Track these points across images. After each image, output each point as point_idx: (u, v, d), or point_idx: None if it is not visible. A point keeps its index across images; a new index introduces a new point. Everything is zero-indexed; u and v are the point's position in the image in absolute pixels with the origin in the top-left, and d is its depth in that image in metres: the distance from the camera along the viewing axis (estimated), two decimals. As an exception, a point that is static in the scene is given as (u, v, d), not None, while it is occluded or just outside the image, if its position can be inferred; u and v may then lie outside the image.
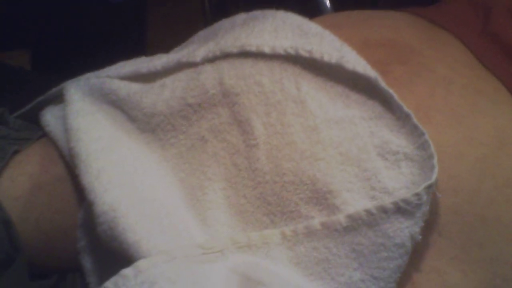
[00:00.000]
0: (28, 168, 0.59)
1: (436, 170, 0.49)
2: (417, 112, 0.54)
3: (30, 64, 1.08)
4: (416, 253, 0.51)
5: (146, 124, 0.59)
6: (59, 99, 0.64)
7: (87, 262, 0.57)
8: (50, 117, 0.63)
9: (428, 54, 0.60)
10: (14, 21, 0.99)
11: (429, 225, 0.51)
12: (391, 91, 0.53)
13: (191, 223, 0.55)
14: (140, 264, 0.48)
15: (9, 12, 0.96)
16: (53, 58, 1.04)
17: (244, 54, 0.57)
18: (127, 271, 0.47)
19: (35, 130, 0.65)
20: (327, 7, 1.12)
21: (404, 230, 0.48)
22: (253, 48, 0.57)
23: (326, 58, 0.55)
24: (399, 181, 0.51)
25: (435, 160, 0.50)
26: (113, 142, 0.58)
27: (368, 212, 0.49)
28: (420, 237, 0.49)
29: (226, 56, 0.58)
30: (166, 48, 0.68)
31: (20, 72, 0.87)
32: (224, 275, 0.49)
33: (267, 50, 0.57)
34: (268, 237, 0.51)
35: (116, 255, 0.52)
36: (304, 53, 0.56)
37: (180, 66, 0.60)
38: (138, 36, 1.12)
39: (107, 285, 0.47)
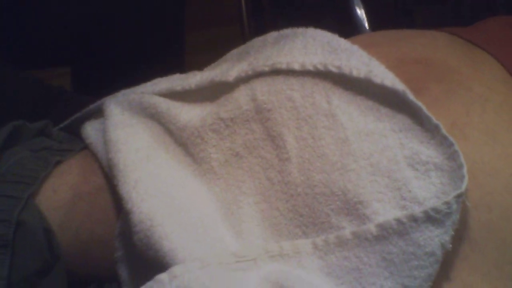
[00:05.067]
0: (69, 178, 0.61)
1: (466, 179, 0.50)
2: (453, 129, 0.54)
3: (70, 81, 1.12)
4: (449, 267, 0.51)
5: (180, 137, 0.60)
6: (99, 113, 0.67)
7: (123, 272, 0.59)
8: (90, 130, 0.65)
9: (465, 72, 0.61)
10: (56, 38, 1.01)
11: (462, 239, 0.51)
12: (419, 103, 0.54)
13: (226, 234, 0.56)
14: (175, 269, 0.49)
15: (50, 29, 0.99)
16: (92, 75, 1.06)
17: (276, 72, 0.59)
18: (162, 276, 0.49)
19: (77, 142, 0.67)
20: (365, 28, 1.13)
21: (434, 238, 0.48)
22: (284, 66, 0.58)
23: (354, 73, 0.56)
24: (429, 190, 0.51)
25: (465, 170, 0.50)
26: (151, 153, 0.59)
27: (398, 221, 0.49)
28: (450, 246, 0.49)
29: (258, 75, 0.59)
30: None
31: (61, 92, 0.89)
32: (257, 282, 0.50)
33: (297, 66, 0.58)
34: (299, 247, 0.52)
35: (151, 264, 0.53)
36: (333, 69, 0.57)
37: (213, 85, 0.61)
38: (176, 58, 1.14)
39: None
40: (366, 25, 1.15)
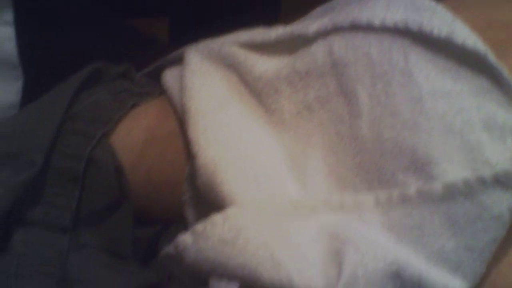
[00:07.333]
0: (144, 121, 0.63)
1: None
2: None
3: (168, 32, 1.13)
4: None
5: (254, 88, 0.60)
6: (180, 61, 0.68)
7: (190, 214, 0.60)
8: (169, 76, 0.66)
9: None
10: None
11: None
12: (500, 66, 0.51)
13: (290, 184, 0.56)
14: (230, 211, 0.50)
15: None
16: (189, 26, 1.07)
17: (355, 27, 0.57)
18: (216, 217, 0.50)
19: (157, 88, 0.68)
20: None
21: (503, 202, 0.46)
22: (364, 22, 0.57)
23: (435, 32, 0.54)
24: (503, 155, 0.49)
25: None
26: (224, 102, 0.60)
27: (466, 182, 0.47)
28: None
29: (337, 30, 0.58)
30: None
31: (153, 40, 0.91)
32: (313, 231, 0.50)
33: (376, 23, 0.56)
34: (361, 201, 0.51)
35: (213, 208, 0.54)
36: (413, 27, 0.55)
37: (292, 38, 0.60)
38: (272, 11, 1.13)
39: (197, 228, 0.50)
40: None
